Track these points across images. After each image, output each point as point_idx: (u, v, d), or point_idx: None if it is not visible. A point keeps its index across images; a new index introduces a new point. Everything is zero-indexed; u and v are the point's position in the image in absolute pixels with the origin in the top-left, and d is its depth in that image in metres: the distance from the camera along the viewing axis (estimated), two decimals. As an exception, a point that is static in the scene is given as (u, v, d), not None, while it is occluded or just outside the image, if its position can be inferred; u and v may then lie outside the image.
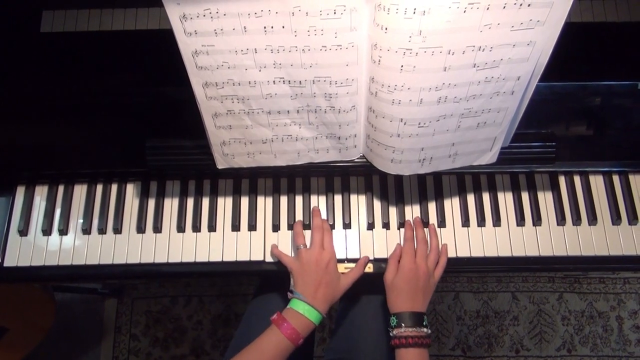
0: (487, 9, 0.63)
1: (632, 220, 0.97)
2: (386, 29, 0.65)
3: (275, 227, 0.97)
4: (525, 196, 0.99)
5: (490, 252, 0.95)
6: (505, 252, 0.95)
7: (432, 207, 0.98)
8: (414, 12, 0.62)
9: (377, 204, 0.99)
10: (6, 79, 0.97)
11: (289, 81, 0.75)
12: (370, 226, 0.97)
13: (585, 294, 1.77)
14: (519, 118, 0.82)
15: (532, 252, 0.95)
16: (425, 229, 0.95)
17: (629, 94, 0.93)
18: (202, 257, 0.96)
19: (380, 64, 0.70)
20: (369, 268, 0.95)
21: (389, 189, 0.99)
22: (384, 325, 1.00)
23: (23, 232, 0.97)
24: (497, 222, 0.97)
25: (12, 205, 0.98)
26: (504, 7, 0.63)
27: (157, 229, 0.97)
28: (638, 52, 0.97)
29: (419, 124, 0.77)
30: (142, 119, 0.95)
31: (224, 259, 0.96)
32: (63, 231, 0.97)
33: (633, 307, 1.76)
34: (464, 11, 0.62)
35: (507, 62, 0.70)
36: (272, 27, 0.67)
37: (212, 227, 0.97)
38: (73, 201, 0.99)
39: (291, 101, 0.78)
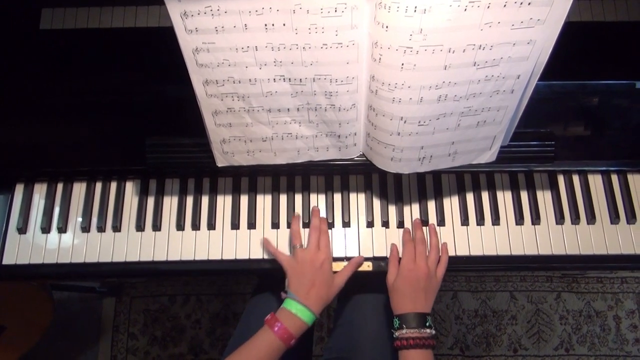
0: (488, 7, 0.63)
1: (631, 219, 0.97)
2: (387, 27, 0.65)
3: (275, 225, 0.97)
4: (524, 195, 0.99)
5: (489, 251, 0.95)
6: (504, 251, 0.96)
7: (431, 205, 0.99)
8: (415, 11, 0.62)
9: (376, 203, 0.99)
10: (5, 77, 0.97)
11: (290, 79, 0.75)
12: (370, 225, 0.97)
13: (583, 293, 1.78)
14: (519, 117, 0.82)
15: (530, 251, 0.96)
16: (425, 228, 0.95)
17: (628, 93, 0.93)
18: (201, 256, 0.96)
19: (380, 62, 0.70)
20: (369, 267, 0.95)
21: (389, 187, 0.99)
22: (383, 324, 1.00)
23: (22, 230, 0.96)
24: (496, 221, 0.97)
25: (11, 203, 0.98)
26: (505, 6, 0.63)
27: (157, 227, 0.97)
28: (636, 52, 0.97)
29: (419, 122, 0.77)
30: (142, 117, 0.95)
31: (223, 257, 0.96)
32: (62, 229, 0.97)
33: (630, 307, 1.76)
34: (465, 9, 0.63)
35: (507, 60, 0.70)
36: (272, 25, 0.67)
37: (211, 226, 0.97)
38: (72, 199, 0.99)
39: (291, 99, 0.78)
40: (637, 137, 0.96)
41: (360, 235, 0.97)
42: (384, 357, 0.97)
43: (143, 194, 0.99)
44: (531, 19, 0.65)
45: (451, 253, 0.95)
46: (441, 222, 0.98)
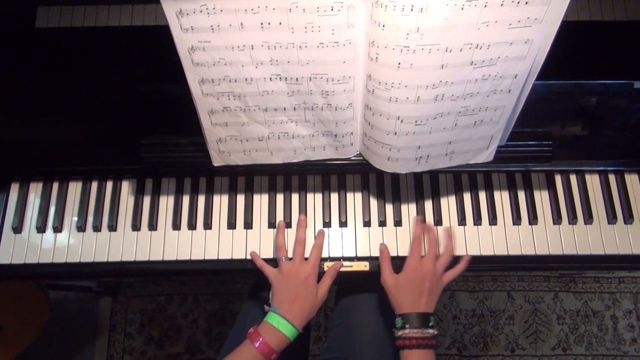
0: (485, 6, 0.63)
1: (628, 219, 0.97)
2: (383, 26, 0.65)
3: (272, 225, 0.97)
4: (521, 195, 0.99)
5: (487, 251, 0.95)
6: (501, 251, 0.95)
7: (428, 205, 0.98)
8: (412, 9, 0.62)
9: (373, 202, 0.98)
10: (1, 75, 0.96)
11: (286, 78, 0.74)
12: (367, 224, 0.97)
13: (580, 293, 1.78)
14: (516, 116, 0.82)
15: (528, 250, 0.95)
16: (437, 228, 0.95)
17: (625, 93, 0.93)
18: (197, 255, 0.95)
19: (377, 61, 0.70)
20: (365, 266, 0.95)
21: (386, 187, 0.99)
22: (381, 324, 1.00)
23: (17, 229, 0.96)
24: (493, 220, 0.97)
25: (6, 202, 0.98)
26: (502, 5, 0.63)
27: (153, 226, 0.97)
28: (634, 51, 0.97)
29: (416, 121, 0.77)
30: (138, 116, 0.95)
31: (220, 257, 0.95)
32: (57, 228, 0.96)
33: (628, 307, 1.76)
34: (462, 8, 0.62)
35: (505, 60, 0.70)
36: (268, 24, 0.67)
37: (207, 225, 0.97)
38: (68, 198, 0.99)
39: (288, 98, 0.78)
40: (634, 137, 0.96)
41: (357, 234, 0.97)
42: (382, 357, 0.96)
43: (139, 193, 0.99)
44: (528, 18, 0.65)
45: (449, 253, 0.95)
46: (438, 221, 0.97)
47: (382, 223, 0.97)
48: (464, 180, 1.00)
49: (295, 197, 0.99)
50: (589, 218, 0.97)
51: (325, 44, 0.69)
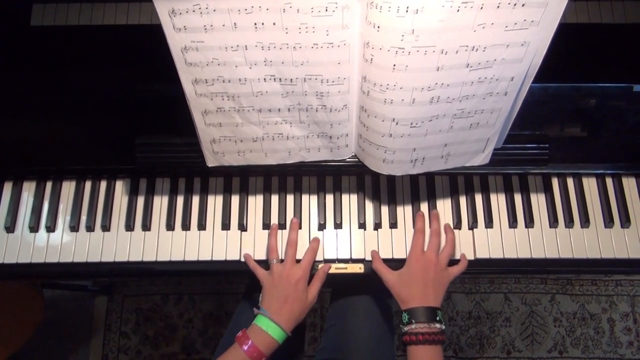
0: (481, 8, 0.62)
1: (625, 223, 0.96)
2: (378, 27, 0.64)
3: (266, 226, 0.96)
4: (518, 198, 0.98)
5: (482, 254, 0.95)
6: (497, 254, 0.95)
7: (424, 208, 0.98)
8: (407, 11, 0.61)
9: (369, 204, 0.98)
10: (-6, 73, 0.96)
11: (280, 79, 0.74)
12: (362, 226, 0.96)
13: (577, 295, 1.77)
14: (512, 119, 0.81)
15: (524, 254, 0.95)
16: (440, 223, 0.95)
17: (624, 97, 0.92)
18: (191, 256, 0.95)
19: (372, 62, 0.69)
20: (360, 269, 0.94)
21: (381, 189, 0.99)
22: (376, 325, 1.00)
23: (10, 228, 0.95)
24: (489, 223, 0.96)
25: (-2, 201, 0.97)
26: (498, 7, 0.62)
27: (146, 227, 0.96)
28: (633, 54, 0.97)
29: (411, 124, 0.76)
30: (132, 115, 0.94)
31: (214, 258, 0.95)
32: (50, 228, 0.96)
33: (624, 310, 1.76)
34: (458, 10, 0.62)
35: (501, 62, 0.70)
36: (262, 24, 0.66)
37: (201, 226, 0.96)
38: (61, 198, 0.98)
39: (282, 99, 0.77)
40: (632, 141, 0.95)
41: (352, 236, 0.96)
42: (377, 358, 0.96)
43: (133, 193, 0.98)
44: (525, 20, 0.64)
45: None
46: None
47: (377, 225, 0.96)
48: (460, 182, 0.99)
49: (290, 199, 0.98)
50: (585, 221, 0.96)
51: (320, 45, 0.68)
